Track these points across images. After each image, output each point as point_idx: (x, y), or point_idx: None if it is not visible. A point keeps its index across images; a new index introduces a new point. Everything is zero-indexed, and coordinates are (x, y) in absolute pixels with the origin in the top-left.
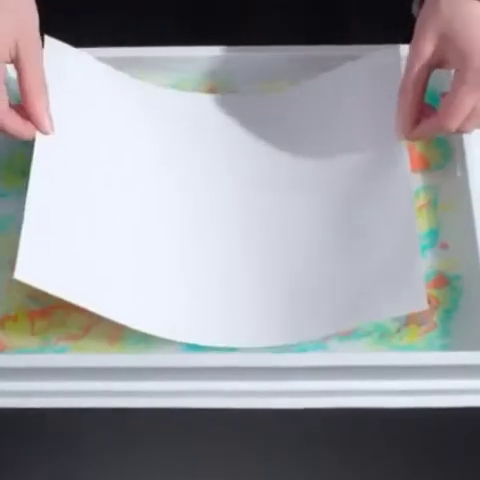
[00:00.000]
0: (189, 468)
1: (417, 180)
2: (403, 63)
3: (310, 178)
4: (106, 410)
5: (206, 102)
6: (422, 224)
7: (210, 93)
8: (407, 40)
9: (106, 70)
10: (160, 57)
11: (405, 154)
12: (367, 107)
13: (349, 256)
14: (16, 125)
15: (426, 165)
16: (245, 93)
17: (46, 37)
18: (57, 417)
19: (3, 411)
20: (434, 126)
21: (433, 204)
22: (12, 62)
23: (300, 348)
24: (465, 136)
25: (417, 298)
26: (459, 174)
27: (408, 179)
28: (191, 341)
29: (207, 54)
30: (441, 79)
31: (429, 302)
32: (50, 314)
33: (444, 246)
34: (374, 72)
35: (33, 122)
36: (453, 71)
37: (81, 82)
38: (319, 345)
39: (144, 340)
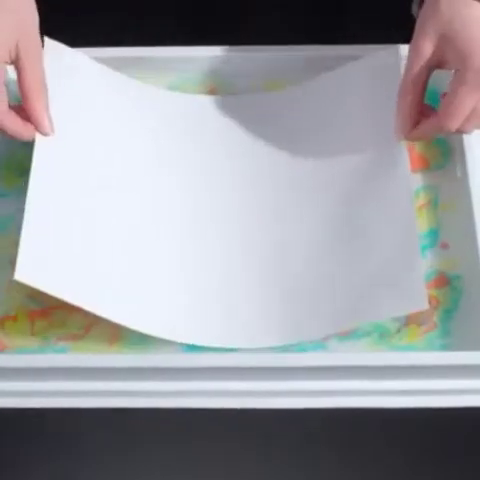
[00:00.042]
0: (189, 468)
1: (417, 180)
2: (403, 63)
3: (310, 178)
4: (106, 410)
5: (205, 103)
6: (422, 224)
7: (210, 93)
8: (407, 40)
9: (105, 71)
10: (160, 57)
11: (405, 154)
12: (367, 107)
13: (349, 256)
14: (16, 126)
15: (426, 165)
16: (245, 93)
17: (45, 38)
18: (57, 417)
19: (3, 411)
20: (434, 126)
21: (433, 204)
22: (12, 63)
23: (300, 348)
24: (465, 136)
25: (417, 298)
26: (459, 174)
27: (408, 179)
28: (191, 342)
29: (207, 54)
30: (441, 79)
31: (429, 302)
32: (50, 314)
33: (444, 246)
34: (374, 72)
35: (33, 123)
36: (453, 71)
37: (80, 83)
38: (319, 345)
39: (144, 340)
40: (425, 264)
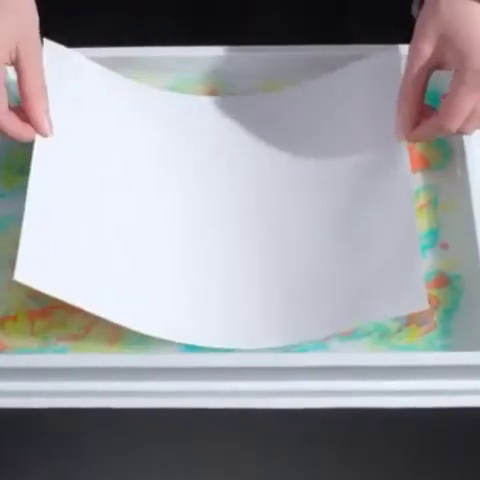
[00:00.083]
0: (189, 468)
1: (417, 180)
2: (403, 63)
3: (310, 178)
4: (106, 410)
5: (205, 103)
6: (422, 224)
7: (210, 93)
8: (407, 40)
9: (104, 72)
10: (160, 57)
11: (405, 154)
12: (367, 107)
13: (349, 256)
14: (15, 127)
15: (426, 165)
16: (245, 93)
17: (44, 40)
18: (57, 417)
19: (3, 411)
20: (434, 127)
21: (433, 204)
22: (12, 64)
23: (300, 348)
24: (465, 136)
25: (417, 298)
26: (459, 174)
27: (408, 179)
28: (191, 342)
29: (207, 54)
30: (441, 80)
31: (429, 302)
32: (50, 314)
33: (444, 246)
34: (374, 72)
35: (32, 125)
36: (453, 72)
37: (79, 84)
38: (319, 345)
39: (144, 340)
40: (425, 264)
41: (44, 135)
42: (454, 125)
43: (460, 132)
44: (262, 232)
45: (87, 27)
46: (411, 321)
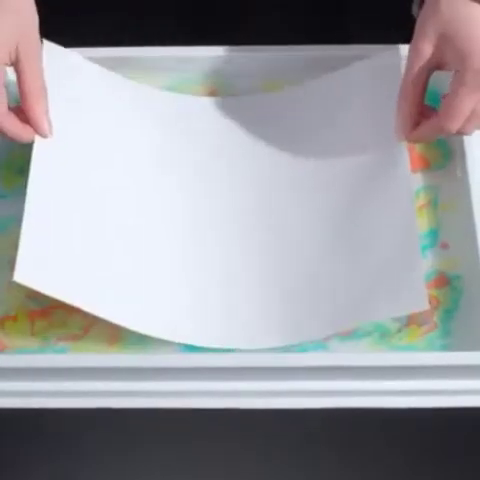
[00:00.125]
0: (189, 468)
1: (417, 180)
2: (403, 63)
3: (310, 178)
4: (106, 410)
5: (205, 104)
6: (422, 224)
7: (210, 94)
8: (407, 40)
9: (104, 72)
10: (160, 57)
11: (405, 154)
12: (367, 107)
13: (349, 256)
14: (15, 128)
15: (426, 165)
16: (245, 93)
17: (44, 41)
18: (57, 417)
19: (3, 411)
20: (434, 127)
21: (433, 204)
22: (12, 65)
23: (300, 348)
24: (465, 136)
25: (418, 298)
26: (459, 174)
27: (408, 179)
28: (191, 342)
29: (207, 54)
30: (442, 80)
31: (429, 302)
32: (50, 314)
33: (444, 246)
34: (374, 72)
35: (32, 125)
36: (453, 72)
37: (79, 85)
38: (319, 345)
39: (143, 341)
40: (425, 264)
41: (44, 136)
42: (454, 126)
43: (460, 132)
44: (262, 232)
45: (87, 27)
46: (411, 321)
